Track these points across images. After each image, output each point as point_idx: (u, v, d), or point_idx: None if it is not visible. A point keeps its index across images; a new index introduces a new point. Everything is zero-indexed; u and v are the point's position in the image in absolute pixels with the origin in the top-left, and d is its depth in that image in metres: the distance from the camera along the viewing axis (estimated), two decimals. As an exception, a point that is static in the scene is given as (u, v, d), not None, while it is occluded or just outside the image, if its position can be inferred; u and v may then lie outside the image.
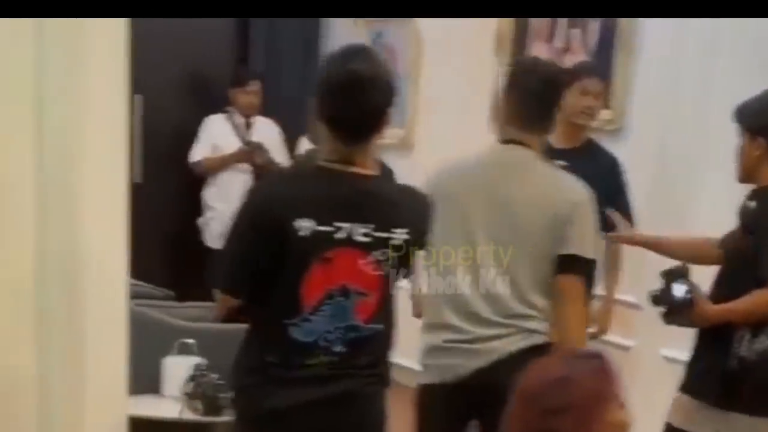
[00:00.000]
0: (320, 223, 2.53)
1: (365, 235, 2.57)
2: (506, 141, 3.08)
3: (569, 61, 5.11)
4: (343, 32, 6.51)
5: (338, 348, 2.62)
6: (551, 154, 4.29)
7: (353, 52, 2.60)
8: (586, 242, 3.01)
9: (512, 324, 3.01)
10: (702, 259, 3.36)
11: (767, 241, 3.06)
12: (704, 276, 3.29)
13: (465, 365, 3.03)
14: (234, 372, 2.74)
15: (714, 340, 3.17)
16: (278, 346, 2.61)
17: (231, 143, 5.92)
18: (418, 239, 2.70)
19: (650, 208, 4.49)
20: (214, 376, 3.82)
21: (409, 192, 2.75)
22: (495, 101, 3.14)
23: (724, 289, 3.18)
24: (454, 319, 3.04)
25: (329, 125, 2.57)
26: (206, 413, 3.77)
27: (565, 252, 2.99)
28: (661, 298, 3.13)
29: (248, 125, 6.01)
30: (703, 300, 3.13)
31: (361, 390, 2.68)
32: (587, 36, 5.21)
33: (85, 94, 2.36)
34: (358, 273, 2.59)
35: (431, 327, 3.14)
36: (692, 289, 3.12)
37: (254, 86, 6.03)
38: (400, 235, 2.60)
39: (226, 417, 3.70)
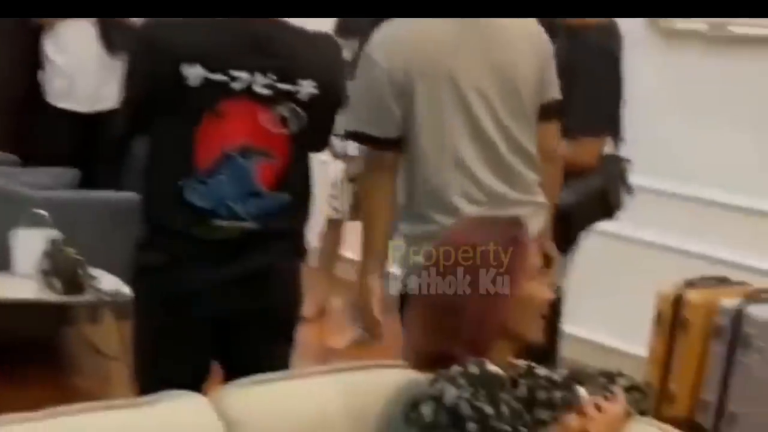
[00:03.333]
0: (211, 70, 2.28)
1: (266, 86, 2.32)
2: None
3: None
4: None
5: (244, 218, 2.39)
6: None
7: None
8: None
9: (529, 201, 2.71)
10: None
11: (572, 89, 2.92)
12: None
13: None
14: (133, 250, 2.49)
15: None
16: (175, 212, 2.37)
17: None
18: (330, 96, 2.45)
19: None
20: (72, 250, 3.53)
21: (317, 39, 2.49)
22: None
23: None
24: (465, 205, 2.60)
25: None
26: (66, 292, 3.49)
27: (550, 98, 2.75)
28: None
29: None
30: None
31: (275, 265, 2.46)
32: None
33: None
34: (260, 130, 2.35)
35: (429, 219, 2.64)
36: None
37: None
38: (306, 88, 2.36)
39: (89, 296, 3.44)
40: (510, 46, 2.64)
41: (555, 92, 2.75)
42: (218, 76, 2.29)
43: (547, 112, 2.73)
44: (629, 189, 3.27)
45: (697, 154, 4.12)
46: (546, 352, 2.71)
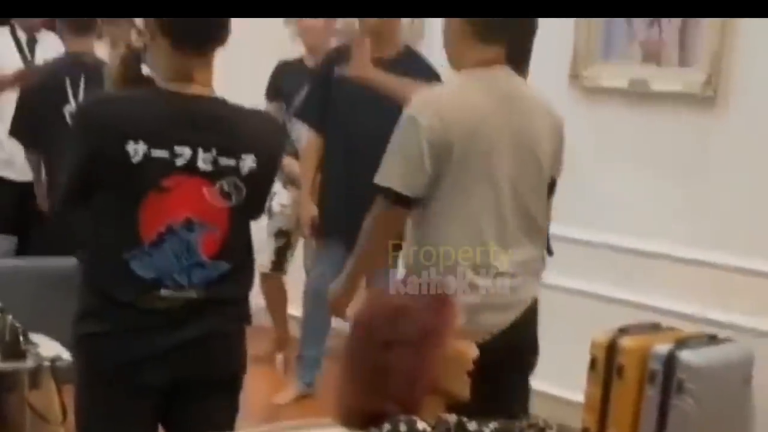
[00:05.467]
0: (156, 148, 2.33)
1: (209, 161, 2.37)
2: (486, 62, 2.73)
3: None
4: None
5: (188, 288, 2.42)
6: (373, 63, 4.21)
7: None
8: None
9: (531, 267, 2.83)
10: None
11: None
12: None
13: (499, 322, 2.77)
14: (75, 318, 2.49)
15: None
16: (120, 283, 2.40)
17: (12, 62, 5.40)
18: (269, 169, 2.52)
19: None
20: (9, 317, 3.52)
21: (256, 115, 2.56)
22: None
23: None
24: (477, 277, 2.71)
25: (166, 32, 2.36)
26: (6, 359, 3.47)
27: (557, 176, 2.88)
28: None
29: (33, 42, 5.48)
30: None
31: (218, 331, 2.49)
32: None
33: None
34: (203, 204, 2.39)
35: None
36: None
37: None
38: (247, 162, 2.42)
39: (30, 362, 3.42)
40: (535, 121, 2.75)
41: (557, 173, 2.87)
42: (162, 153, 2.33)
43: (552, 188, 2.86)
44: (550, 250, 3.36)
45: (624, 205, 4.24)
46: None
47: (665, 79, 4.04)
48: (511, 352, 2.77)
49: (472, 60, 2.72)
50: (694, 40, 3.94)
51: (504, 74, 2.74)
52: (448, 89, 2.77)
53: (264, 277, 5.08)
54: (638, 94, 4.13)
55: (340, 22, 4.96)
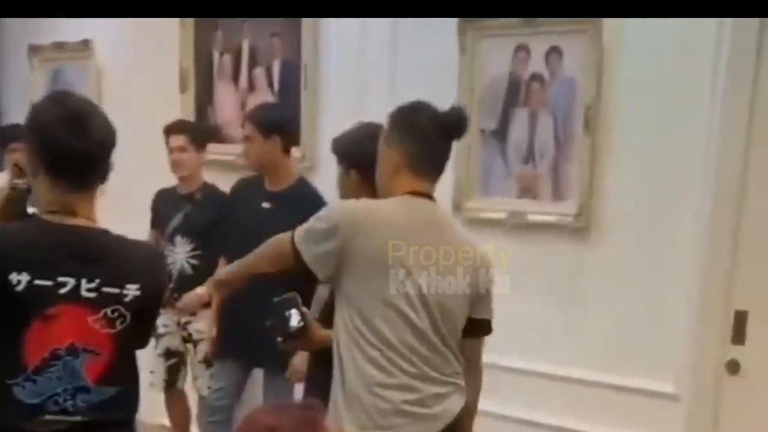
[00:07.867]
0: (39, 278, 2.39)
1: (93, 290, 2.46)
2: (418, 194, 2.90)
3: (254, 101, 5.18)
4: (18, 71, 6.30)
5: (73, 412, 2.47)
6: (266, 196, 4.42)
7: (66, 93, 2.57)
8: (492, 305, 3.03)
9: (452, 381, 2.93)
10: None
11: None
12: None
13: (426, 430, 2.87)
14: None
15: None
16: (3, 408, 2.42)
17: None
18: (153, 298, 2.61)
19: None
20: None
21: (140, 246, 2.67)
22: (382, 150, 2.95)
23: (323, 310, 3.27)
24: (406, 377, 2.84)
25: (49, 169, 2.46)
26: None
27: (480, 317, 2.99)
28: (277, 327, 3.18)
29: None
30: (315, 325, 3.18)
31: None
32: (271, 75, 5.29)
33: None
34: (87, 330, 2.46)
35: (384, 386, 2.85)
36: (304, 315, 3.18)
37: None
38: (131, 291, 2.51)
39: None
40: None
41: (487, 313, 3.01)
42: (46, 282, 2.40)
43: (479, 328, 3.00)
44: None
45: (505, 326, 4.18)
46: None
47: (540, 212, 4.28)
48: None
49: (404, 190, 2.87)
50: (566, 176, 4.18)
51: (433, 206, 2.91)
52: (377, 203, 2.89)
53: (166, 395, 5.14)
54: (516, 225, 4.33)
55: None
